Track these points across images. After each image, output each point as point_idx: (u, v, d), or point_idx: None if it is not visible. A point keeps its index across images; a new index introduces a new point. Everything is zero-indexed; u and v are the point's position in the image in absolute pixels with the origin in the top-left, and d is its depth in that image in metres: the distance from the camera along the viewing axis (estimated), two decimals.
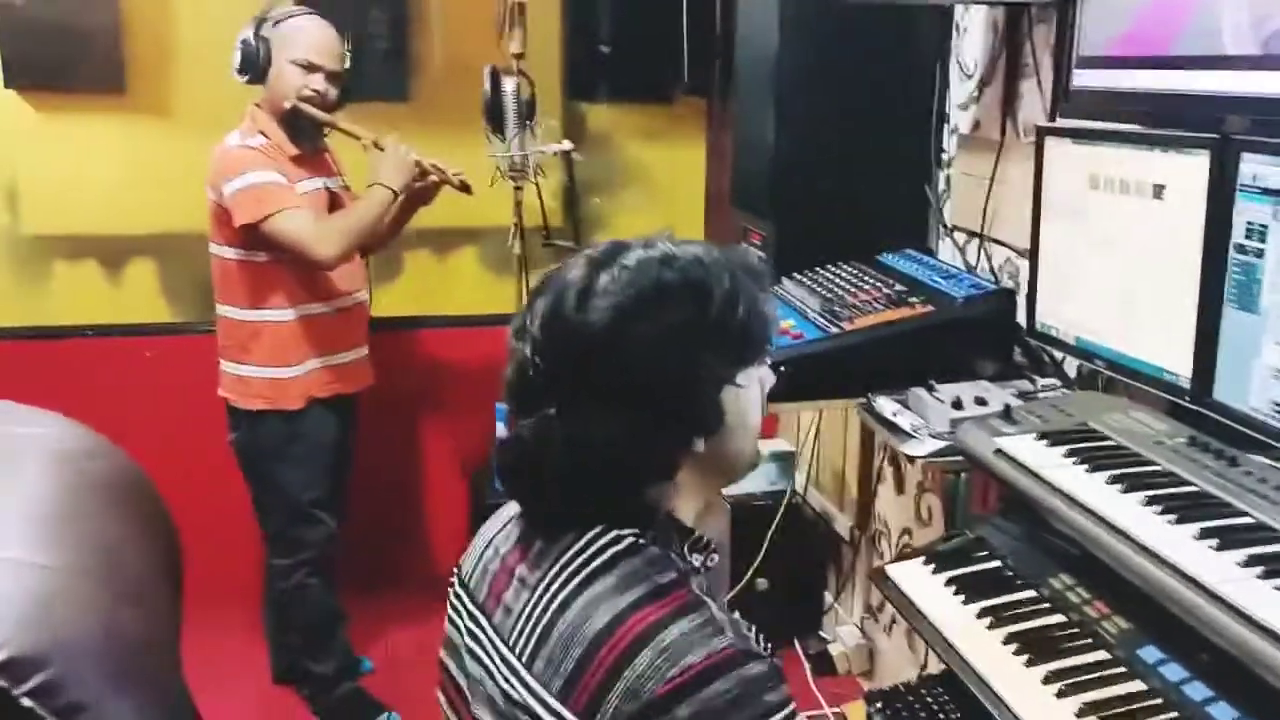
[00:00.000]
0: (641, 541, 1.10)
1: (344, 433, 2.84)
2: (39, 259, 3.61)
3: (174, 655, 0.94)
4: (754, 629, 1.12)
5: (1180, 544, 1.33)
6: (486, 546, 1.24)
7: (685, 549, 1.15)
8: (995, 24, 2.37)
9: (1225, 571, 1.26)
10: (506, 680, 1.10)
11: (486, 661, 1.15)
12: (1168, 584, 1.30)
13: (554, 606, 1.08)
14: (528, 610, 1.11)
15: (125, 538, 0.88)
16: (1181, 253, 1.66)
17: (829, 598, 3.32)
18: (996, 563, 1.75)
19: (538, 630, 1.08)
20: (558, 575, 1.10)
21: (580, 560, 1.10)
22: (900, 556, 1.88)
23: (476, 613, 1.20)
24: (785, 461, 3.26)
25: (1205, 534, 1.33)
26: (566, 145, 2.76)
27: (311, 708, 2.87)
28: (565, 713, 1.03)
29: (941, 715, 1.65)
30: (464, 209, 3.00)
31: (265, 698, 2.98)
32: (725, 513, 3.21)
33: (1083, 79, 1.88)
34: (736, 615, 1.12)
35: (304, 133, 2.72)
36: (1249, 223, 1.54)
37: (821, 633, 3.25)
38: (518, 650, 1.10)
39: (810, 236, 2.54)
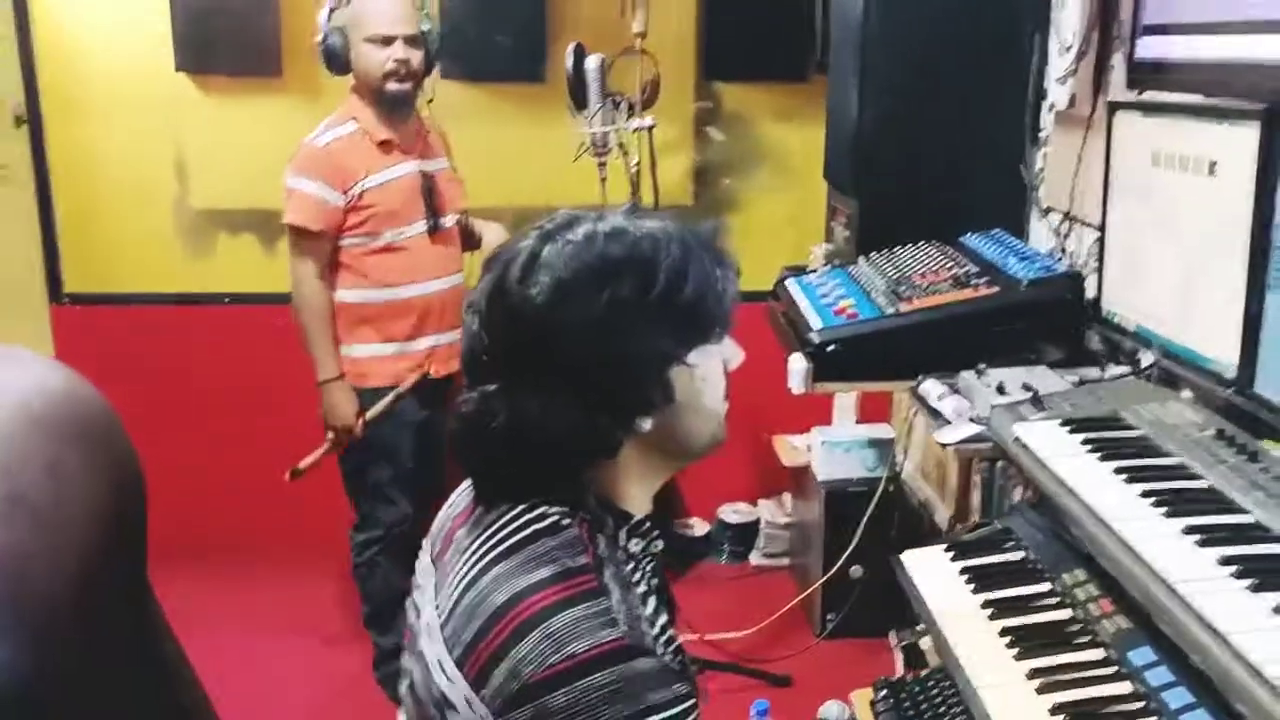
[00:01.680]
0: (566, 521, 1.09)
1: (432, 416, 2.83)
2: (204, 231, 3.91)
3: (96, 576, 1.02)
4: (662, 628, 1.10)
5: (1161, 539, 1.25)
6: (449, 505, 1.27)
7: (623, 533, 1.14)
8: None
9: (1198, 570, 1.18)
10: (428, 639, 1.14)
11: (424, 614, 1.19)
12: (1140, 580, 1.23)
13: (471, 575, 1.10)
14: (454, 575, 1.13)
15: (34, 471, 0.96)
16: (1231, 233, 1.55)
17: None
18: (1019, 554, 1.68)
19: (454, 595, 1.10)
20: (482, 545, 1.11)
21: (504, 534, 1.10)
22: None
23: (430, 567, 1.24)
24: (883, 448, 3.18)
25: (1190, 530, 1.25)
26: (649, 121, 2.76)
27: (374, 672, 2.96)
28: (461, 680, 1.05)
29: (943, 707, 1.59)
30: (568, 188, 3.04)
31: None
32: (819, 496, 3.17)
33: (1146, 48, 1.77)
34: (649, 609, 1.11)
35: (398, 107, 2.69)
36: None
37: (919, 626, 3.15)
38: (440, 610, 1.13)
39: (895, 215, 2.47)
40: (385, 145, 2.69)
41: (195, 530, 3.46)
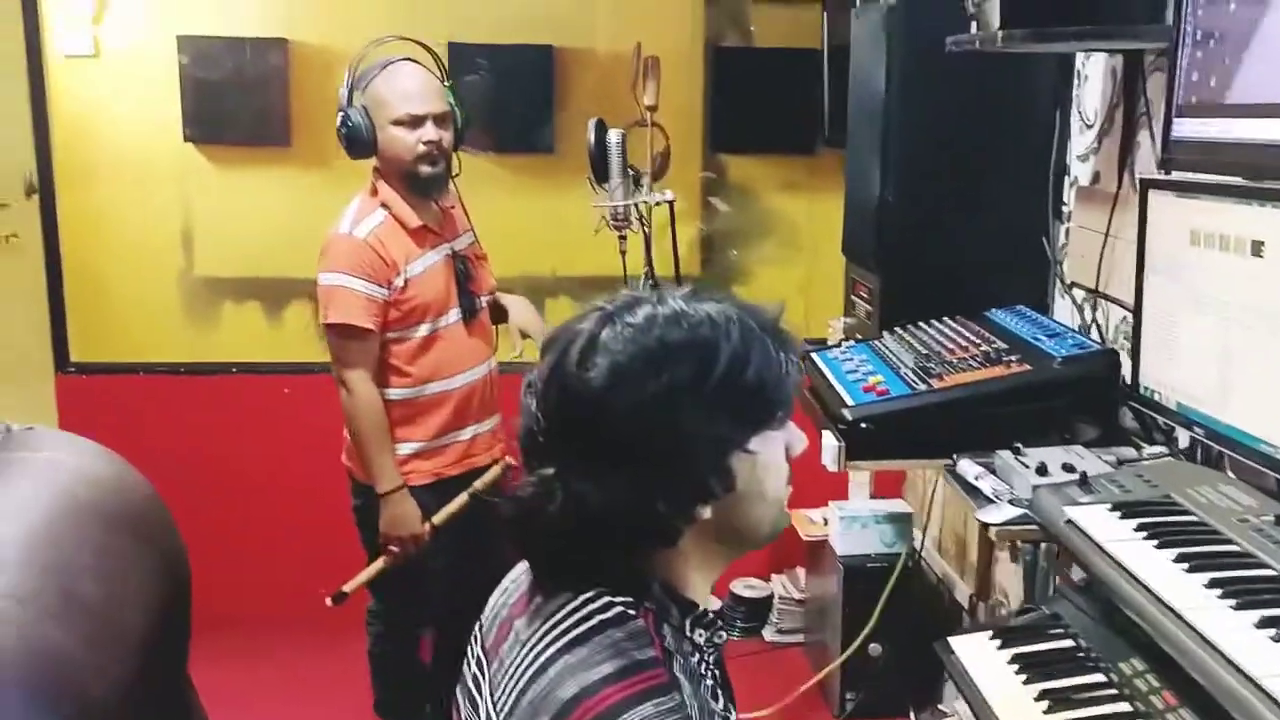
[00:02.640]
0: (631, 612, 1.06)
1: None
2: (208, 300, 3.89)
3: (141, 676, 0.98)
4: None
5: (1236, 631, 1.22)
6: (503, 591, 1.24)
7: (688, 624, 1.11)
8: (1114, 72, 2.26)
9: (1278, 664, 1.14)
10: None
11: (479, 710, 1.15)
12: (1216, 673, 1.19)
13: (534, 668, 1.06)
14: (514, 667, 1.09)
15: (86, 565, 0.93)
16: (1279, 313, 1.53)
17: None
18: (1069, 641, 1.63)
19: (516, 689, 1.07)
20: (544, 635, 1.08)
21: (567, 624, 1.07)
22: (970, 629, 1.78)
23: (482, 657, 1.20)
24: (902, 523, 3.14)
25: (1265, 623, 1.21)
26: (669, 195, 2.76)
27: None
28: None
29: None
30: (605, 260, 3.02)
31: None
32: (838, 572, 3.12)
33: (1183, 129, 1.77)
34: (720, 705, 1.09)
35: (431, 190, 2.58)
36: None
37: (940, 705, 3.10)
38: (498, 706, 1.09)
39: (918, 290, 2.46)
40: (418, 232, 2.57)
41: (215, 605, 3.36)
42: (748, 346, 1.09)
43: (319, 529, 3.56)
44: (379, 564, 2.62)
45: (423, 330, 2.57)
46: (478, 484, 2.65)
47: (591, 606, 1.07)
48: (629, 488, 1.05)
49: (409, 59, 2.59)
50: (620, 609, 1.06)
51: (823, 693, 3.23)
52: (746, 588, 3.70)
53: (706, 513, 1.08)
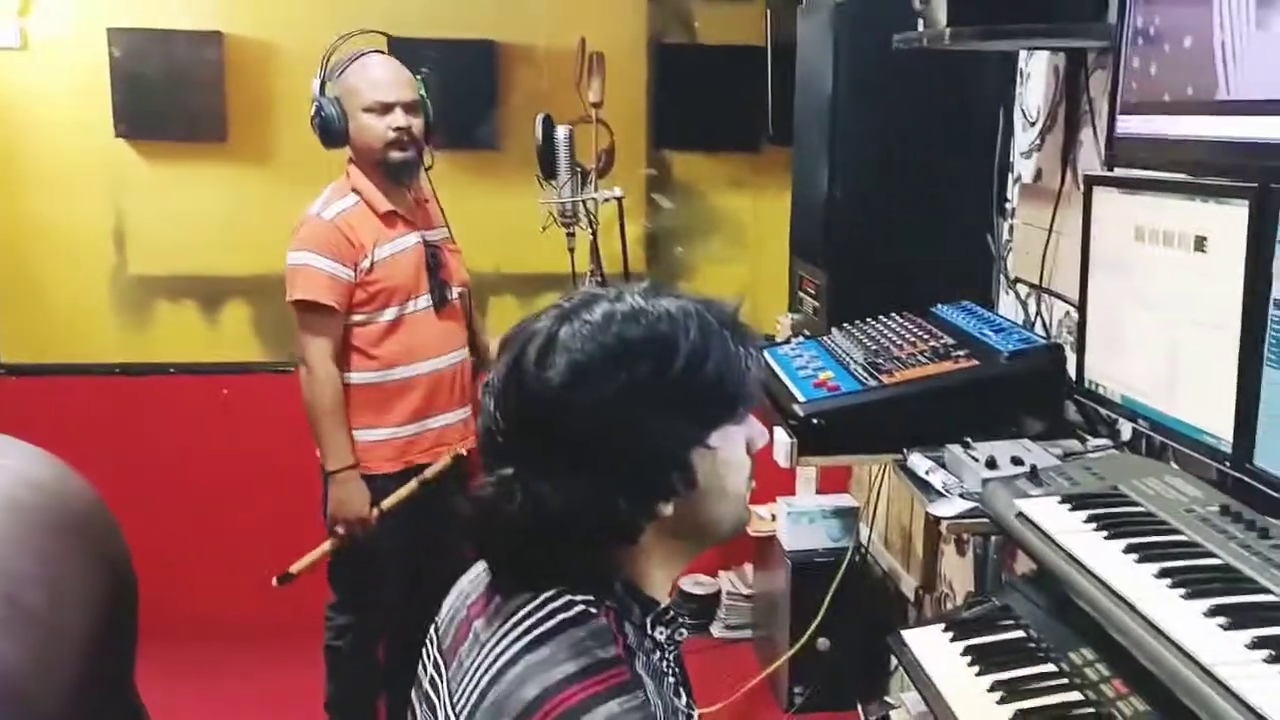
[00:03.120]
0: (593, 611, 1.05)
1: (436, 499, 2.62)
2: (142, 299, 3.80)
3: (87, 686, 0.95)
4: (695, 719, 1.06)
5: (1186, 620, 1.23)
6: (460, 593, 1.22)
7: (649, 621, 1.10)
8: (1057, 70, 2.29)
9: (1228, 653, 1.16)
10: None
11: (437, 712, 1.13)
12: (1168, 662, 1.20)
13: (495, 669, 1.04)
14: (474, 668, 1.08)
15: (30, 573, 0.89)
16: (1223, 308, 1.56)
17: (895, 661, 3.19)
18: (1020, 632, 1.65)
19: (477, 691, 1.05)
20: (505, 636, 1.06)
21: (528, 624, 1.06)
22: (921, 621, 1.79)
23: (440, 659, 1.18)
24: (847, 518, 3.17)
25: (1215, 611, 1.23)
26: (618, 192, 2.75)
27: None
28: None
29: None
30: (550, 257, 3.00)
31: None
32: (786, 567, 3.14)
33: (1128, 126, 1.80)
34: (683, 702, 1.08)
35: (403, 176, 2.62)
36: None
37: (887, 697, 3.12)
38: (458, 707, 1.07)
39: (865, 287, 2.48)
40: (389, 217, 2.62)
41: (159, 611, 3.27)
42: (707, 342, 1.08)
43: (262, 531, 3.50)
44: (325, 545, 2.63)
45: (389, 314, 2.61)
46: (427, 472, 2.65)
47: (552, 605, 1.06)
48: (589, 486, 1.04)
49: (379, 51, 2.68)
50: (581, 608, 1.05)
51: (771, 687, 3.24)
52: (694, 584, 3.70)
53: (668, 510, 1.08)
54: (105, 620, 1.08)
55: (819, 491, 3.42)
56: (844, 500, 3.27)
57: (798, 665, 3.10)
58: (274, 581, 2.61)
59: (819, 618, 3.01)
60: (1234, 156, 1.58)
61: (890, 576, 3.23)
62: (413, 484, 2.63)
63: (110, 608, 1.09)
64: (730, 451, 1.11)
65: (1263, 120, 1.51)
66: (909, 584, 3.10)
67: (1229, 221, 1.54)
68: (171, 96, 3.61)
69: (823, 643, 3.07)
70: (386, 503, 2.61)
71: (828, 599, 3.00)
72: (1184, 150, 1.68)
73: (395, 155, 2.58)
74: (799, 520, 3.16)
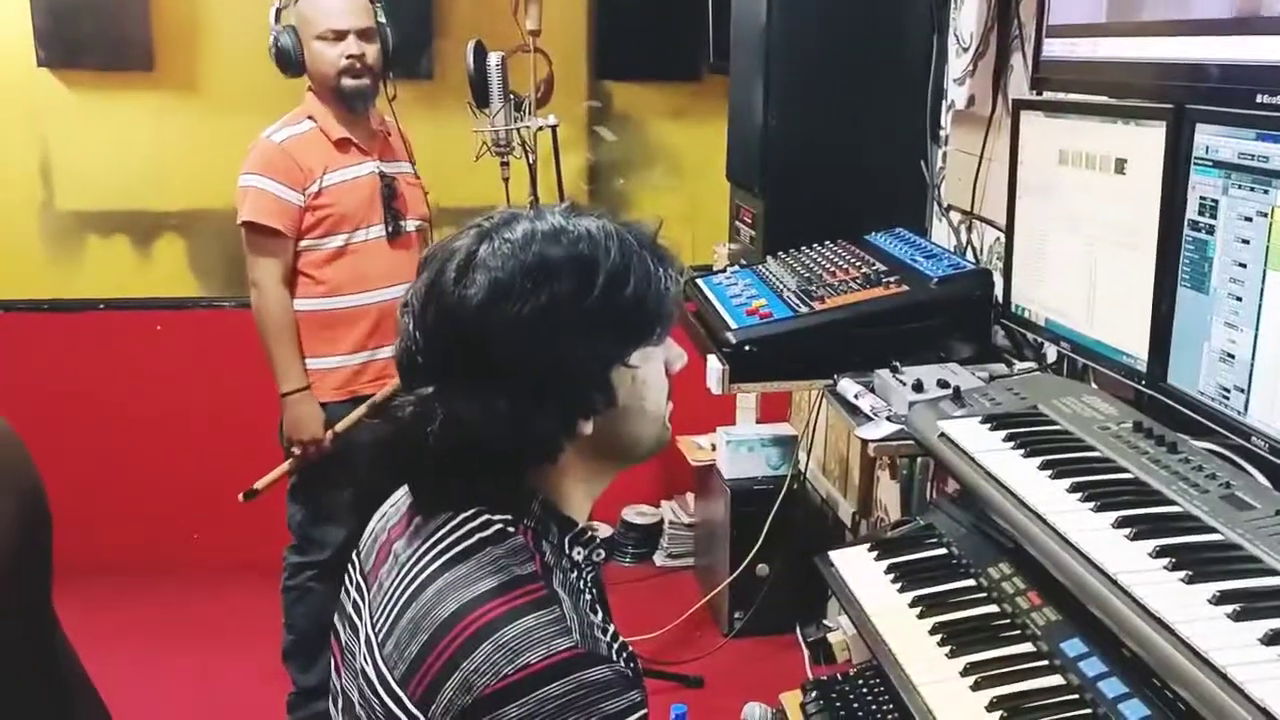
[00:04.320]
0: (511, 530, 1.06)
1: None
2: (72, 234, 3.71)
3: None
4: (613, 635, 1.07)
5: (1094, 532, 1.27)
6: (381, 516, 1.22)
7: (567, 541, 1.11)
8: None
9: (1132, 562, 1.20)
10: (366, 658, 1.08)
11: (359, 634, 1.13)
12: (1076, 572, 1.24)
13: (412, 588, 1.05)
14: (392, 588, 1.08)
15: None
16: (1140, 230, 1.58)
17: None
18: (942, 550, 1.69)
19: (394, 610, 1.06)
20: (423, 555, 1.07)
21: (446, 543, 1.06)
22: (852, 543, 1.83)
23: (361, 582, 1.18)
24: (786, 445, 3.20)
25: (1122, 523, 1.27)
26: (552, 120, 2.72)
27: (289, 716, 2.79)
28: (404, 698, 1.00)
29: (874, 705, 1.60)
30: (487, 190, 2.96)
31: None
32: (725, 495, 3.17)
33: (1053, 49, 1.80)
34: (599, 617, 1.08)
35: (356, 104, 2.61)
36: (1201, 198, 1.46)
37: (824, 620, 3.19)
38: (377, 628, 1.08)
39: (801, 215, 2.48)
40: (342, 144, 2.61)
41: (91, 547, 3.24)
42: (627, 262, 1.07)
43: (198, 465, 3.48)
44: (284, 465, 2.65)
45: (338, 240, 2.61)
46: (377, 395, 2.66)
47: (470, 525, 1.06)
48: (509, 405, 1.04)
49: None
50: (499, 526, 1.06)
51: (712, 613, 3.30)
52: (637, 514, 3.74)
53: (588, 428, 1.08)
54: (17, 551, 1.07)
55: (759, 421, 3.45)
56: (783, 429, 3.30)
57: (737, 591, 3.16)
58: (240, 497, 2.65)
59: (758, 544, 3.05)
60: (1151, 78, 1.59)
61: (828, 503, 3.28)
62: (363, 408, 2.64)
63: (22, 539, 1.09)
64: (649, 371, 1.12)
65: (1178, 41, 1.53)
66: (846, 510, 3.15)
67: (1147, 143, 1.56)
68: (95, 23, 3.51)
69: (762, 569, 3.12)
70: (340, 426, 2.63)
71: (766, 526, 3.04)
72: (1105, 72, 1.69)
73: (348, 83, 2.57)
74: (738, 449, 3.19)
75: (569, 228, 1.08)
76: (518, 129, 2.69)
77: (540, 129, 2.71)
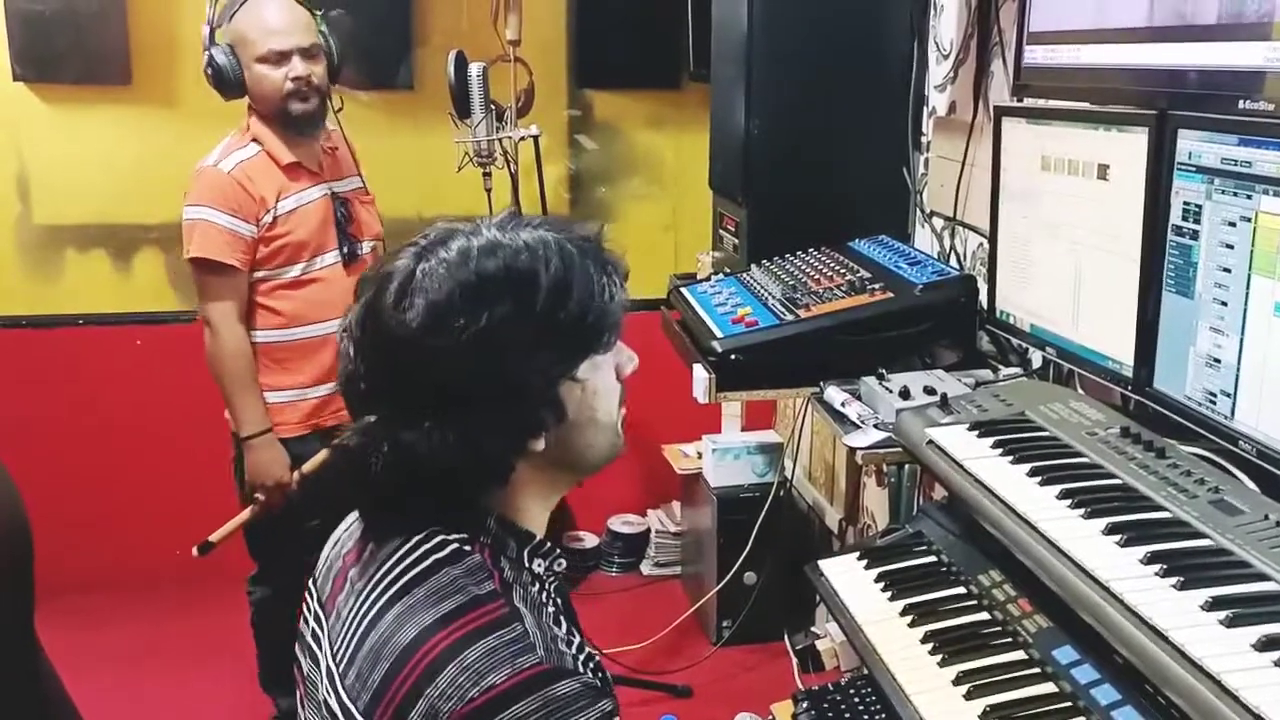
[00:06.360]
0: (467, 549, 1.03)
1: None
2: (49, 249, 3.68)
3: None
4: (579, 646, 1.05)
5: (1085, 539, 1.27)
6: (335, 543, 1.19)
7: (526, 554, 1.08)
8: (969, 1, 2.29)
9: (1123, 568, 1.20)
10: (329, 690, 1.06)
11: (320, 664, 1.10)
12: (1067, 579, 1.24)
13: (370, 615, 1.03)
14: (350, 617, 1.06)
15: None
16: (1124, 235, 1.59)
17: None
18: (931, 558, 1.69)
19: (354, 640, 1.03)
20: (379, 582, 1.04)
21: (401, 568, 1.04)
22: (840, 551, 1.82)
23: (319, 611, 1.15)
24: (772, 453, 3.20)
25: (1112, 529, 1.27)
26: (534, 130, 2.71)
27: None
28: None
29: (866, 716, 1.59)
30: (470, 200, 2.95)
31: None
32: (712, 503, 3.17)
33: (1034, 56, 1.81)
34: (563, 630, 1.05)
35: (305, 128, 2.48)
36: (1185, 203, 1.47)
37: (812, 628, 3.19)
38: (338, 658, 1.05)
39: (784, 222, 2.49)
40: (292, 169, 2.47)
41: (69, 567, 3.19)
42: (568, 274, 1.04)
43: (177, 485, 3.44)
44: (245, 514, 2.54)
45: (295, 270, 2.49)
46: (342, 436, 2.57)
47: (425, 547, 1.04)
48: (456, 429, 1.01)
49: None
50: (455, 546, 1.04)
51: (700, 622, 3.29)
52: (623, 524, 3.73)
53: (539, 445, 1.05)
54: None
55: (744, 429, 3.44)
56: (768, 436, 3.30)
57: (725, 599, 3.15)
58: (194, 551, 2.52)
59: (745, 552, 3.04)
60: (1133, 84, 1.59)
61: (815, 510, 3.28)
62: (329, 450, 2.56)
63: (2, 560, 1.07)
64: (599, 380, 1.09)
65: (1159, 47, 1.53)
66: (833, 517, 3.15)
67: (1129, 149, 1.57)
68: (72, 38, 3.46)
69: (749, 577, 3.11)
70: (307, 466, 2.51)
71: (753, 534, 3.03)
72: (1087, 79, 1.70)
73: (296, 107, 2.43)
74: (724, 457, 3.18)
75: (505, 241, 1.04)
76: (500, 139, 2.66)
77: (523, 139, 2.70)
